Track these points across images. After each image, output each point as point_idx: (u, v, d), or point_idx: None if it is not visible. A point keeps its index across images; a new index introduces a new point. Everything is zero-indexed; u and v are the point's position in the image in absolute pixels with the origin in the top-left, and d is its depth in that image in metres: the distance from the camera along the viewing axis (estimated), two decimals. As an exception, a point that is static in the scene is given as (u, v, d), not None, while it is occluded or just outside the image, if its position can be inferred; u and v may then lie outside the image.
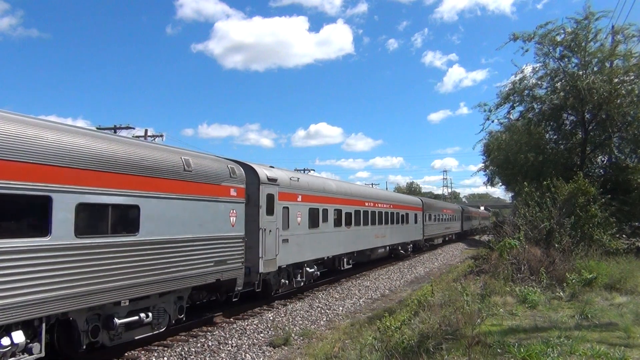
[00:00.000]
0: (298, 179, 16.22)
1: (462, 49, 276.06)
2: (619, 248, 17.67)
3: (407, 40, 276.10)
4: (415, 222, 32.78)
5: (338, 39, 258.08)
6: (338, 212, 19.71)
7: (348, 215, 20.73)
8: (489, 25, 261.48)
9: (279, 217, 14.68)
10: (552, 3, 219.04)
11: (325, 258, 18.44)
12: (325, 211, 18.31)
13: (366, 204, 23.04)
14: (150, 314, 9.76)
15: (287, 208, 15.30)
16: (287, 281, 15.74)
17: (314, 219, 17.31)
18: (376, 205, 24.54)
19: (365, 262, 24.20)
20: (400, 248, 29.26)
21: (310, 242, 16.83)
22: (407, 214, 30.63)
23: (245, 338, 11.30)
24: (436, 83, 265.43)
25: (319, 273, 18.01)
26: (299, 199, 16.14)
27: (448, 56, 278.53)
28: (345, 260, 20.60)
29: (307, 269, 16.88)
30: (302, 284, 16.75)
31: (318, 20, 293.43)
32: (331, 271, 20.79)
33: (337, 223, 19.58)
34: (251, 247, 13.24)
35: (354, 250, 21.43)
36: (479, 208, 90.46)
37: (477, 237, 62.11)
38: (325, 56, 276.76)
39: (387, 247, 26.68)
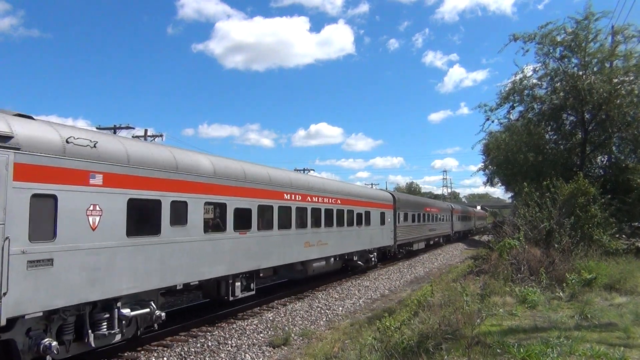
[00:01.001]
0: (95, 143, 8.76)
1: (462, 49, 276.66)
2: (619, 248, 17.70)
3: (408, 41, 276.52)
4: (383, 223, 25.05)
5: (339, 39, 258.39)
6: (218, 208, 12.29)
7: (242, 213, 12.98)
8: (489, 25, 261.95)
9: (12, 216, 7.23)
10: (552, 4, 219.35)
11: (179, 286, 10.53)
12: (179, 206, 10.47)
13: (287, 197, 15.43)
14: None
15: (54, 198, 7.93)
16: (55, 342, 7.91)
17: (143, 218, 9.73)
18: (308, 199, 16.82)
19: (301, 279, 18.10)
20: (356, 258, 21.73)
21: (132, 260, 9.21)
22: (367, 213, 22.78)
23: (245, 338, 11.30)
24: (437, 83, 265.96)
25: (163, 314, 10.09)
26: (96, 180, 8.66)
27: (449, 56, 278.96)
28: (239, 284, 12.93)
29: (125, 311, 9.23)
30: (117, 338, 9.18)
31: (319, 21, 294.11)
32: (215, 303, 13.59)
33: (216, 226, 12.16)
34: None
35: (257, 268, 13.68)
36: (476, 207, 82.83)
37: (476, 238, 61.45)
38: (326, 56, 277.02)
39: (333, 259, 19.09)
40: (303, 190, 16.60)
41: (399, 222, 27.97)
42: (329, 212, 18.62)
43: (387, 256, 27.33)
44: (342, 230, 19.87)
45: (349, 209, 20.62)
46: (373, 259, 24.04)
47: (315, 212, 17.55)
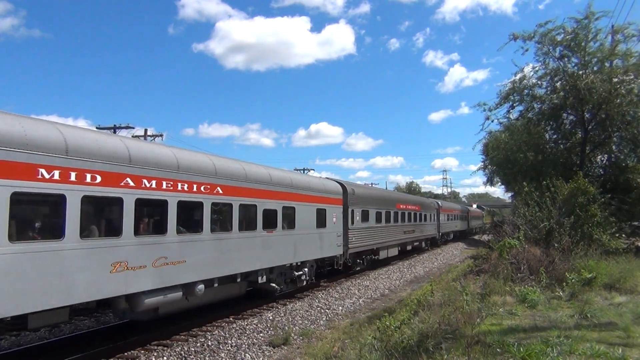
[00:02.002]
0: None
1: (463, 48, 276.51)
2: (619, 247, 17.68)
3: (409, 40, 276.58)
4: (322, 224, 17.70)
5: (340, 39, 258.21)
6: None
7: None
8: (490, 25, 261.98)
9: None
10: (553, 3, 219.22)
11: None
12: None
13: (49, 177, 7.82)
14: None
15: None
16: None
17: None
18: (127, 182, 9.34)
19: (145, 321, 11.28)
20: (264, 279, 14.09)
21: None
22: (289, 209, 15.29)
23: (245, 338, 11.31)
24: (437, 83, 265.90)
25: None
26: None
27: (449, 56, 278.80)
28: None
29: None
30: None
31: (320, 21, 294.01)
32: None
33: None
34: None
35: None
36: (471, 206, 77.05)
37: (476, 237, 60.86)
38: (326, 56, 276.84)
39: (203, 285, 11.28)
40: (110, 165, 8.92)
41: (353, 222, 21.01)
42: (187, 206, 10.84)
43: (337, 269, 20.20)
44: (228, 237, 12.04)
45: (244, 202, 12.78)
46: (304, 277, 16.62)
47: (150, 206, 10.09)
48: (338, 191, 19.88)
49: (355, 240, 21.38)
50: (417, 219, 32.95)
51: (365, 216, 22.77)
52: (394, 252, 27.61)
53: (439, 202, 43.93)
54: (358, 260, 22.57)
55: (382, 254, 25.52)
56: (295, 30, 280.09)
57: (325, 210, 18.17)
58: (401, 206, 29.16)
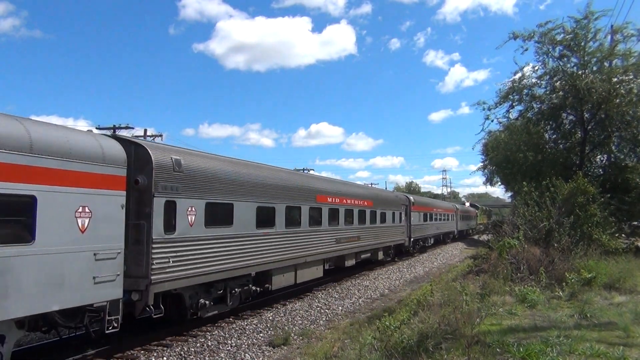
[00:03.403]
0: None
1: (464, 48, 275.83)
2: (618, 247, 17.71)
3: (410, 40, 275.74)
4: (22, 237, 7.09)
5: (341, 40, 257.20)
6: None
7: None
8: (491, 25, 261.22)
9: None
10: (553, 4, 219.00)
11: None
12: None
13: None
14: None
15: None
16: None
17: None
18: None
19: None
20: None
21: None
22: None
23: (245, 338, 11.31)
24: (437, 83, 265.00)
25: None
26: None
27: (450, 55, 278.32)
28: None
29: None
30: None
31: (321, 21, 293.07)
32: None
33: None
34: None
35: None
36: (465, 204, 68.45)
37: (475, 237, 60.30)
38: (327, 56, 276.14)
39: None
40: None
41: (175, 228, 10.13)
42: None
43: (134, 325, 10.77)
44: None
45: None
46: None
47: None
48: (105, 157, 8.67)
49: (180, 264, 10.26)
50: (368, 220, 22.44)
51: (222, 215, 11.85)
52: (313, 273, 17.20)
53: (411, 197, 32.38)
54: (202, 301, 11.48)
55: (280, 280, 14.75)
56: (296, 31, 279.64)
57: (33, 199, 7.24)
58: (330, 199, 18.15)
